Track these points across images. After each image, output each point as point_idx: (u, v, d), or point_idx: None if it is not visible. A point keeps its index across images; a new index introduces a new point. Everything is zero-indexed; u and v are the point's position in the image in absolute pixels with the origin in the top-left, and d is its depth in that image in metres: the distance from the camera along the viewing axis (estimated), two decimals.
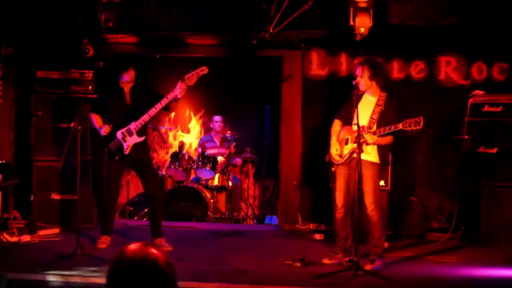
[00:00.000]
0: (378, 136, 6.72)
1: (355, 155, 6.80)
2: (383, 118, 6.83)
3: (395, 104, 6.96)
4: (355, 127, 6.81)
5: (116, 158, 7.51)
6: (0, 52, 9.00)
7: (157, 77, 10.45)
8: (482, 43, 9.11)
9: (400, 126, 6.55)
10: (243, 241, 8.64)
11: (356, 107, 6.65)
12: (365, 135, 6.71)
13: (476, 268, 7.04)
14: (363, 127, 6.75)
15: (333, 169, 7.23)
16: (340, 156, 7.03)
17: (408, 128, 6.50)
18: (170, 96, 7.37)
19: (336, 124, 7.23)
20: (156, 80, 10.31)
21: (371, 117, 6.85)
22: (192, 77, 7.39)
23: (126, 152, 7.49)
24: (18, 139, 9.18)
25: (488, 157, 8.41)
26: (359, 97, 6.93)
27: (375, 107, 6.91)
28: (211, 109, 11.54)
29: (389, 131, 6.67)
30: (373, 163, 6.89)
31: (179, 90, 7.35)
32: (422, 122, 6.43)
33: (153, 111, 7.42)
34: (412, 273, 6.79)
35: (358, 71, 6.97)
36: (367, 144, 6.77)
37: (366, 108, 6.87)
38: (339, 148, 7.05)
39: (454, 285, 6.49)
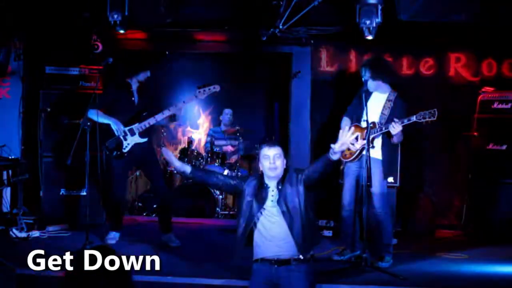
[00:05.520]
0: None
1: (364, 152, 6.81)
2: (393, 114, 6.81)
3: (404, 104, 6.94)
4: (364, 124, 6.84)
5: (114, 154, 7.51)
6: (9, 48, 9.02)
7: (167, 73, 10.47)
8: (492, 40, 9.08)
9: (414, 118, 6.56)
10: None
11: (366, 105, 6.66)
12: (390, 126, 6.65)
13: (485, 265, 7.03)
14: (373, 123, 6.76)
15: (341, 166, 7.22)
16: (350, 153, 7.02)
17: (422, 120, 6.50)
18: (180, 105, 7.52)
19: (346, 121, 7.21)
20: (165, 76, 10.34)
21: (382, 113, 6.84)
22: (204, 92, 7.51)
23: (125, 151, 7.49)
24: (26, 135, 9.20)
25: (497, 154, 8.40)
26: (368, 94, 6.92)
27: (385, 102, 6.91)
28: (220, 105, 11.52)
29: (403, 124, 6.64)
30: (379, 160, 6.88)
31: (190, 102, 7.68)
32: (436, 114, 6.43)
33: (160, 117, 7.46)
34: (421, 270, 6.78)
35: (362, 73, 6.99)
36: (393, 133, 6.69)
37: (376, 104, 6.86)
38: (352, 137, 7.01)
39: (463, 281, 6.46)
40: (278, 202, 5.35)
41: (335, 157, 5.26)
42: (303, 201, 5.36)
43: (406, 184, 8.48)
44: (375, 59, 7.49)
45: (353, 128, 7.07)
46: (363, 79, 6.96)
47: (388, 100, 6.92)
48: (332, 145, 5.25)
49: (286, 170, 5.50)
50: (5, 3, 8.47)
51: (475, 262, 7.16)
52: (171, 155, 5.76)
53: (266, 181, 5.47)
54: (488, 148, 8.47)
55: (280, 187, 5.41)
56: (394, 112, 6.84)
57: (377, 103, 6.88)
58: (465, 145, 8.87)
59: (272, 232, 5.33)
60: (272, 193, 5.41)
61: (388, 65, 7.51)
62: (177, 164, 5.69)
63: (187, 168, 5.65)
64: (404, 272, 6.43)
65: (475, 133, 8.55)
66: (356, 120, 7.09)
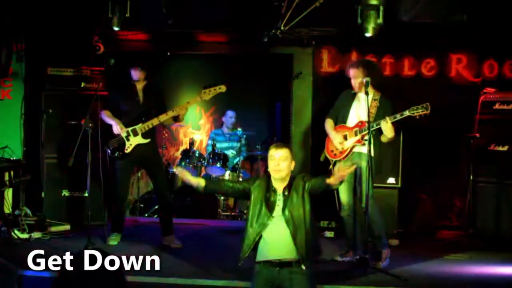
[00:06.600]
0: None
1: (355, 149, 6.93)
2: (380, 113, 6.86)
3: (390, 103, 6.96)
4: (350, 124, 6.99)
5: (116, 155, 7.51)
6: (11, 49, 9.02)
7: (168, 74, 10.47)
8: (493, 41, 9.08)
9: (407, 112, 6.59)
10: None
11: (367, 105, 6.68)
12: (381, 123, 6.67)
13: (486, 266, 7.03)
14: (361, 122, 6.87)
15: (331, 166, 7.20)
16: (340, 152, 7.03)
17: (415, 114, 6.52)
18: (183, 106, 7.53)
19: (330, 123, 7.25)
20: (167, 77, 10.33)
21: (369, 111, 6.82)
22: (209, 93, 7.56)
23: (127, 151, 7.49)
24: (28, 136, 9.20)
25: (499, 155, 8.38)
26: (355, 95, 6.98)
27: (371, 102, 6.93)
28: (222, 106, 11.52)
29: (395, 119, 6.67)
30: (370, 157, 6.85)
31: (194, 102, 7.75)
32: (429, 107, 6.45)
33: (163, 117, 7.47)
34: (423, 271, 6.77)
35: (352, 73, 7.00)
36: (383, 130, 6.71)
37: (363, 104, 6.84)
38: (341, 137, 7.02)
39: (464, 282, 6.46)
40: (284, 209, 5.39)
41: (334, 187, 5.53)
42: (308, 209, 5.40)
43: (408, 185, 8.49)
44: (365, 59, 7.53)
45: (338, 129, 7.10)
46: (356, 80, 6.99)
47: (373, 99, 6.96)
48: (327, 180, 5.36)
49: (293, 178, 5.55)
50: (5, 3, 8.47)
51: (476, 263, 7.16)
52: (187, 174, 5.75)
53: (274, 184, 5.50)
54: (490, 149, 8.45)
55: (286, 193, 5.44)
56: (380, 110, 6.89)
57: (363, 102, 6.85)
58: (466, 146, 8.85)
59: (276, 238, 5.36)
60: (279, 202, 5.44)
61: (376, 66, 7.53)
62: (194, 181, 5.70)
63: (202, 183, 5.70)
64: (406, 273, 6.44)
65: (477, 134, 8.53)
66: (341, 120, 7.14)
